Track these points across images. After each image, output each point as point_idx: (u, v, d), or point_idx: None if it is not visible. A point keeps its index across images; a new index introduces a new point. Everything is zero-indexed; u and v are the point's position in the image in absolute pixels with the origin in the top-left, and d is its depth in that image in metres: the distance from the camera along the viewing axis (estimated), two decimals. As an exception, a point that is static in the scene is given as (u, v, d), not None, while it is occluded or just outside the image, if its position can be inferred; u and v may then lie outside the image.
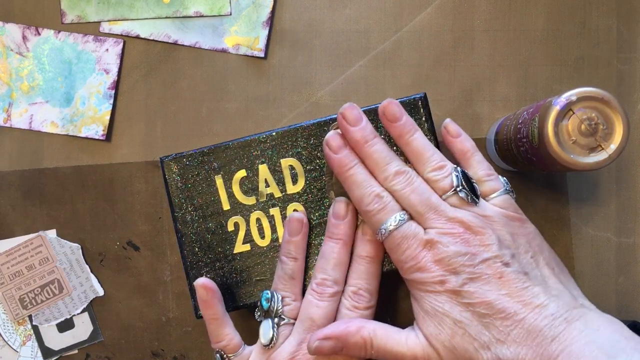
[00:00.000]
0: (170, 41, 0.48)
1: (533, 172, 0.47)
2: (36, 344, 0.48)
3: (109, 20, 0.48)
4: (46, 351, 0.48)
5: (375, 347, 0.36)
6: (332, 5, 0.48)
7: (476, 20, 0.48)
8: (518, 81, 0.48)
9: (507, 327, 0.33)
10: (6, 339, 0.48)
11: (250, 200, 0.42)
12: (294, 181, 0.41)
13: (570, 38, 0.48)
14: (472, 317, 0.34)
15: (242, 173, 0.41)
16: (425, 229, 0.36)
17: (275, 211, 0.41)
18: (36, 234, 0.48)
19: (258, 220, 0.42)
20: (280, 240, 0.41)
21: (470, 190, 0.36)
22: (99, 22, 0.48)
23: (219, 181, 0.42)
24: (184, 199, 0.42)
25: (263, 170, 0.41)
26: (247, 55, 0.48)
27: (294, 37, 0.48)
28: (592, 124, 0.35)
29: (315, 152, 0.41)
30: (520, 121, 0.40)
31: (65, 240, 0.48)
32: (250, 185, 0.42)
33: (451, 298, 0.34)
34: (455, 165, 0.37)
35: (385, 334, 0.36)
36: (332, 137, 0.38)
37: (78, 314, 0.48)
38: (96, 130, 0.48)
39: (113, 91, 0.48)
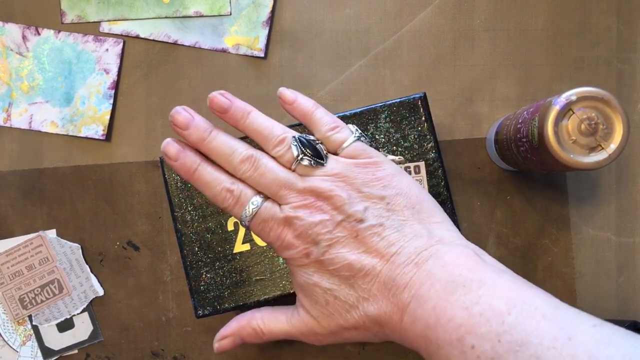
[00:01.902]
0: (170, 41, 0.48)
1: (533, 172, 0.47)
2: (36, 344, 0.48)
3: (109, 20, 0.48)
4: (46, 351, 0.48)
5: (266, 333, 0.38)
6: (332, 5, 0.48)
7: (476, 20, 0.48)
8: (518, 81, 0.48)
9: (368, 284, 0.34)
10: (6, 339, 0.48)
11: None
12: None
13: (570, 38, 0.48)
14: (339, 281, 0.34)
15: None
16: (281, 206, 0.36)
17: None
18: (36, 234, 0.48)
19: None
20: None
21: (314, 155, 0.36)
22: (99, 22, 0.48)
23: None
24: (184, 198, 0.42)
25: None
26: (247, 55, 0.48)
27: (294, 37, 0.48)
28: (592, 124, 0.35)
29: None
30: (520, 121, 0.40)
31: (65, 240, 0.48)
32: None
33: (317, 268, 0.35)
34: (294, 135, 0.37)
35: (272, 318, 0.38)
36: (166, 145, 0.37)
37: (78, 314, 0.48)
38: (96, 130, 0.48)
39: (113, 91, 0.48)
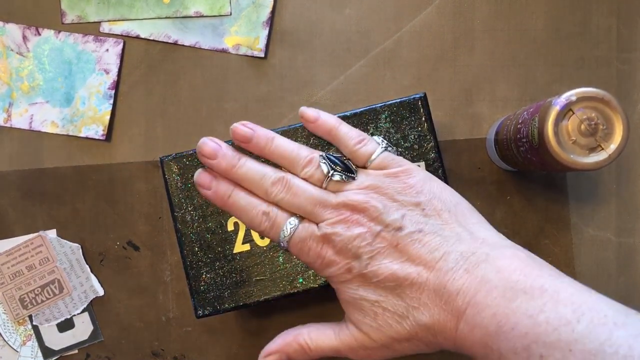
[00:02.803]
0: (170, 41, 0.48)
1: (533, 172, 0.47)
2: (36, 343, 0.48)
3: (109, 20, 0.48)
4: (46, 351, 0.48)
5: (313, 349, 0.37)
6: (332, 5, 0.48)
7: (476, 20, 0.48)
8: (518, 81, 0.48)
9: (416, 292, 0.33)
10: (6, 338, 0.48)
11: None
12: None
13: (570, 38, 0.48)
14: (386, 293, 0.34)
15: None
16: (318, 224, 0.36)
17: None
18: (36, 234, 0.48)
19: None
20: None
21: (344, 170, 0.36)
22: (99, 22, 0.48)
23: None
24: (184, 198, 0.42)
25: None
26: (247, 56, 0.48)
27: (294, 37, 0.48)
28: (592, 124, 0.35)
29: None
30: (520, 121, 0.40)
31: (65, 240, 0.48)
32: None
33: (362, 282, 0.34)
34: (321, 153, 0.37)
35: (319, 334, 0.37)
36: (198, 176, 0.38)
37: (78, 314, 0.48)
38: (96, 130, 0.48)
39: (113, 91, 0.48)
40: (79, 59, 0.48)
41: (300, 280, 0.41)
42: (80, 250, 0.48)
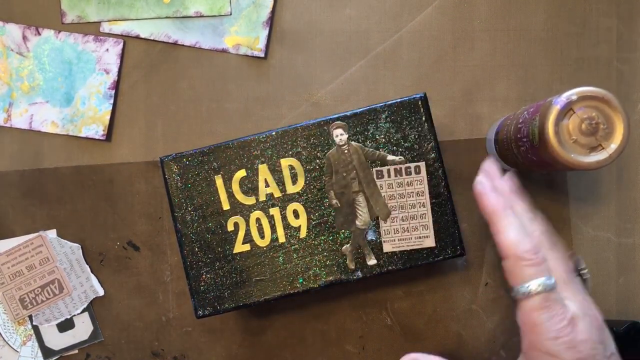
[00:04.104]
0: (170, 41, 0.48)
1: (533, 172, 0.47)
2: (36, 343, 0.48)
3: (109, 20, 0.48)
4: (46, 351, 0.48)
5: None
6: (332, 5, 0.48)
7: (476, 20, 0.48)
8: (518, 81, 0.48)
9: None
10: (6, 339, 0.48)
11: (250, 200, 0.42)
12: (294, 181, 0.41)
13: (570, 38, 0.48)
14: None
15: (241, 173, 0.41)
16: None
17: (275, 211, 0.41)
18: (36, 234, 0.48)
19: (258, 220, 0.42)
20: (279, 240, 0.41)
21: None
22: (99, 22, 0.48)
23: (218, 181, 0.42)
24: (184, 198, 0.42)
25: (263, 170, 0.41)
26: (247, 55, 0.48)
27: (294, 37, 0.48)
28: (593, 124, 0.35)
29: (315, 152, 0.41)
30: (520, 121, 0.40)
31: (65, 240, 0.48)
32: (250, 185, 0.42)
33: None
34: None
35: None
36: (479, 183, 0.38)
37: (78, 314, 0.48)
38: (96, 130, 0.48)
39: (113, 91, 0.48)
40: (79, 59, 0.48)
41: (301, 280, 0.41)
42: (80, 250, 0.48)
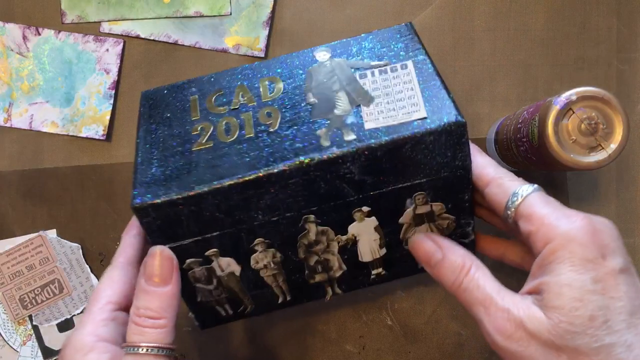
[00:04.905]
0: (170, 41, 0.48)
1: (533, 172, 0.47)
2: (36, 343, 0.48)
3: (109, 20, 0.48)
4: (46, 351, 0.48)
5: (469, 282, 0.33)
6: (332, 5, 0.48)
7: (476, 20, 0.48)
8: (518, 81, 0.48)
9: None
10: (6, 338, 0.48)
11: (221, 110, 0.37)
12: (271, 90, 0.37)
13: (570, 38, 0.48)
14: None
15: (218, 91, 0.38)
16: None
17: (246, 115, 0.36)
18: (36, 234, 0.48)
19: (227, 123, 0.36)
20: (247, 135, 0.35)
21: None
22: (99, 22, 0.48)
23: (192, 98, 0.38)
24: (154, 117, 0.38)
25: (241, 87, 0.38)
26: (247, 55, 0.48)
27: (294, 37, 0.48)
28: (592, 124, 0.35)
29: (296, 70, 0.38)
30: (520, 121, 0.40)
31: (65, 240, 0.48)
32: (224, 100, 0.38)
33: None
34: None
35: (487, 278, 0.33)
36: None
37: (78, 313, 0.48)
38: (96, 130, 0.48)
39: (113, 91, 0.48)
40: (79, 59, 0.48)
41: (264, 166, 0.34)
42: (80, 250, 0.48)
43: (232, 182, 0.33)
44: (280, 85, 0.38)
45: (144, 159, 0.36)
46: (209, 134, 0.36)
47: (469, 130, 0.48)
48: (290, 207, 0.35)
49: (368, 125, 0.34)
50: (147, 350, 0.32)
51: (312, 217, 0.35)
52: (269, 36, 0.48)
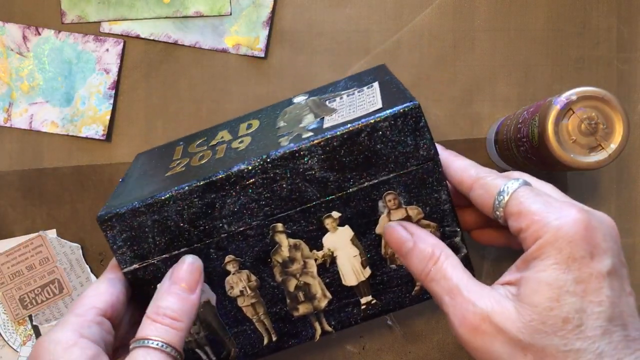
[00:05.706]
0: (170, 41, 0.48)
1: (533, 172, 0.47)
2: (36, 344, 0.48)
3: (109, 20, 0.48)
4: (46, 351, 0.48)
5: (438, 270, 0.32)
6: (332, 5, 0.48)
7: (476, 20, 0.48)
8: (518, 81, 0.48)
9: None
10: (6, 339, 0.48)
11: (201, 147, 0.39)
12: (249, 127, 0.39)
13: (570, 38, 0.48)
14: None
15: (201, 138, 0.41)
16: None
17: (221, 147, 0.38)
18: (36, 234, 0.48)
19: (202, 155, 0.38)
20: (217, 155, 0.37)
21: None
22: (99, 22, 0.48)
23: (178, 147, 0.41)
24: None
25: (222, 132, 0.40)
26: (247, 55, 0.48)
27: (294, 37, 0.48)
28: (593, 124, 0.35)
29: (275, 112, 0.40)
30: (520, 121, 0.40)
31: (65, 240, 0.48)
32: (205, 140, 0.40)
33: None
34: None
35: (456, 265, 0.31)
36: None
37: (78, 314, 0.48)
38: (96, 130, 0.48)
39: (113, 91, 0.48)
40: (79, 58, 0.48)
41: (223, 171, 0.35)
42: (80, 250, 0.48)
43: (192, 186, 0.33)
44: (257, 123, 0.39)
45: (118, 191, 0.37)
46: (184, 163, 0.37)
47: (469, 131, 0.48)
48: (254, 213, 0.34)
49: (327, 125, 0.34)
50: (159, 344, 0.30)
51: (279, 225, 0.34)
52: (269, 36, 0.48)
